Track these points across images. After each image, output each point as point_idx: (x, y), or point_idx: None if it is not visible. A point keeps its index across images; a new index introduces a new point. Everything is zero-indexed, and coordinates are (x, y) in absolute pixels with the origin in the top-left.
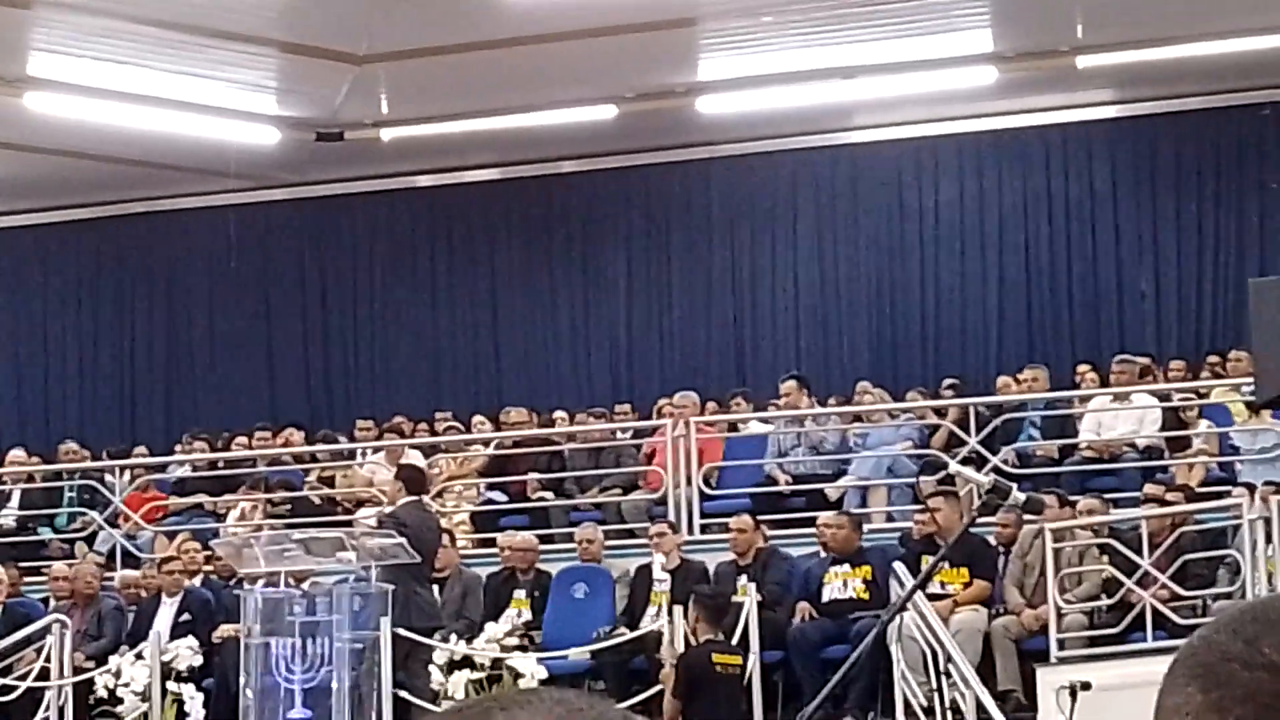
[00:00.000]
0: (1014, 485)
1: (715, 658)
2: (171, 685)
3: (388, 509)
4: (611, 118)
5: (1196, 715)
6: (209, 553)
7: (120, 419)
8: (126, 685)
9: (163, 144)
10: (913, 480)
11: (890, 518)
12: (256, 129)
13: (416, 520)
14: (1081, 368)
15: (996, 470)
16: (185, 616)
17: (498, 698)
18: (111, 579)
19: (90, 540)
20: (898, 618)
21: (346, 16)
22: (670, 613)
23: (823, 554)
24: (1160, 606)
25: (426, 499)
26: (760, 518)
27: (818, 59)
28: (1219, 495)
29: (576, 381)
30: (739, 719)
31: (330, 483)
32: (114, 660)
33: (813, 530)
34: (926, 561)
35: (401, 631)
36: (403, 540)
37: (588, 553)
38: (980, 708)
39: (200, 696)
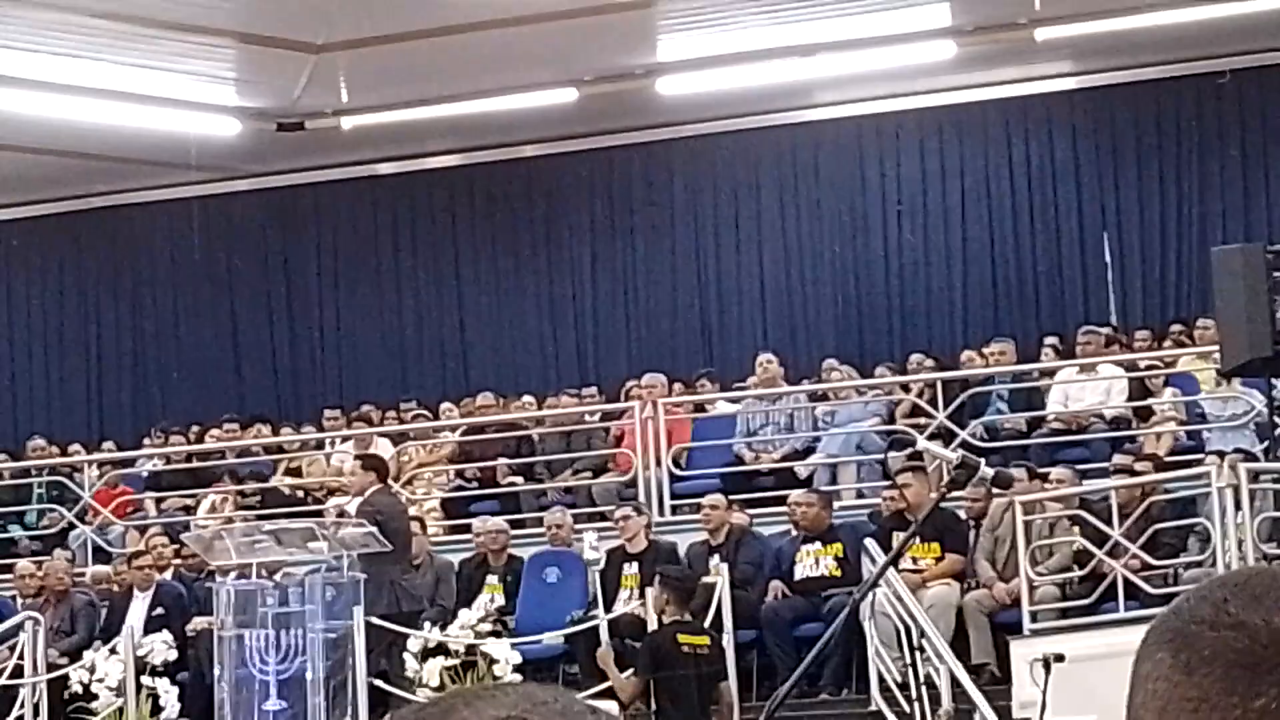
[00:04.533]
0: (982, 460)
1: (680, 638)
2: (146, 679)
3: (362, 498)
4: (572, 101)
5: (1166, 679)
6: (180, 546)
7: (88, 414)
8: (101, 681)
9: (123, 138)
10: (882, 457)
11: (860, 494)
12: (217, 120)
13: (392, 507)
14: (1047, 339)
15: (965, 445)
16: (158, 611)
17: (462, 693)
18: (83, 575)
19: (61, 537)
20: (870, 594)
21: (304, 6)
22: (642, 595)
23: (794, 532)
24: (1131, 576)
25: (395, 486)
26: (731, 497)
27: (776, 37)
28: (1188, 464)
29: (543, 365)
30: (705, 700)
31: (299, 473)
32: (88, 656)
33: (783, 509)
34: (897, 537)
35: (375, 621)
36: (374, 529)
37: (558, 537)
38: (954, 682)
39: (175, 690)
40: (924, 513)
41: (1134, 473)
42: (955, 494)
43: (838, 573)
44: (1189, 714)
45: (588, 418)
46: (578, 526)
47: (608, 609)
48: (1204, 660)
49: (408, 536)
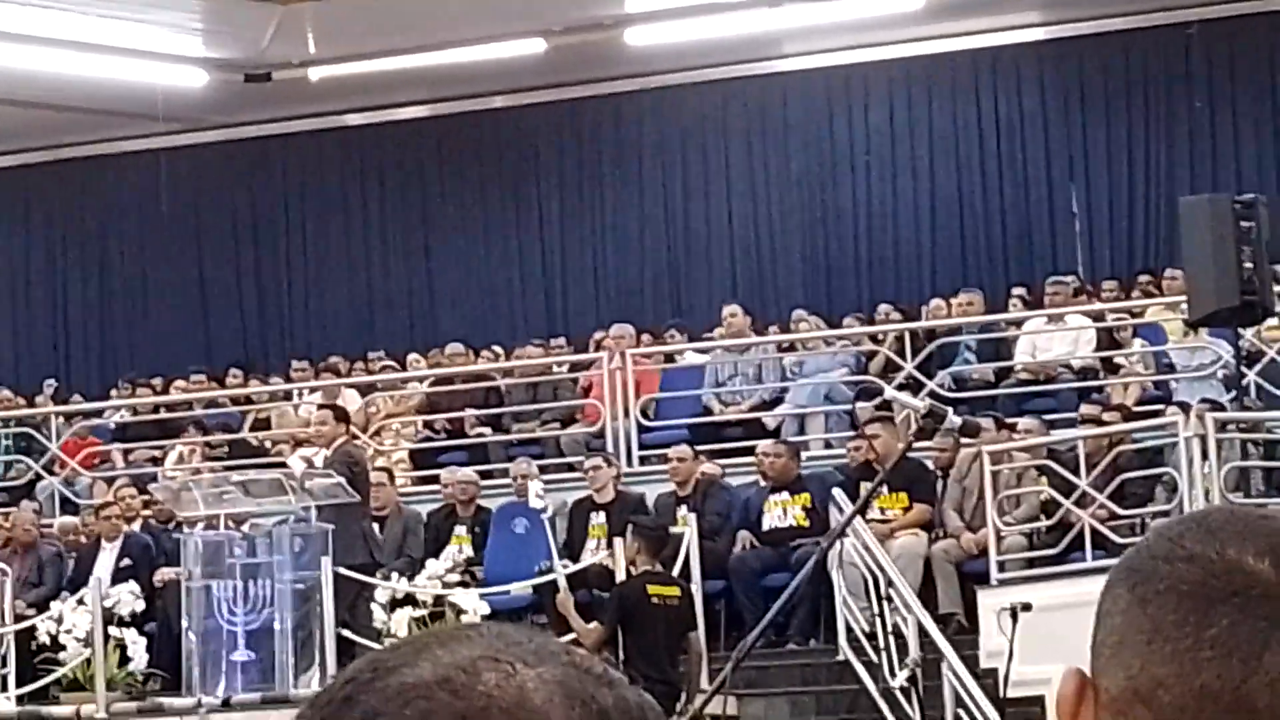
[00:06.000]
0: (950, 409)
1: (651, 589)
2: (114, 630)
3: (330, 449)
4: (540, 52)
5: (1123, 613)
6: (148, 497)
7: (54, 365)
8: (68, 632)
9: (90, 89)
10: (850, 407)
11: (828, 445)
12: (184, 71)
13: (362, 458)
14: (1015, 290)
15: (933, 395)
16: (126, 561)
17: (436, 633)
18: (50, 526)
19: (28, 488)
20: (838, 544)
21: None
22: (610, 545)
23: (762, 483)
24: (1099, 526)
25: (363, 437)
26: (699, 448)
27: None
28: (1155, 414)
29: (511, 316)
30: (676, 650)
31: (267, 425)
32: (55, 607)
33: (751, 460)
34: (865, 488)
35: (343, 571)
36: (341, 480)
37: (523, 488)
38: (922, 631)
39: (143, 641)
40: (892, 462)
41: (1101, 423)
42: (923, 444)
43: (805, 523)
44: (1143, 645)
45: (556, 368)
46: (545, 478)
47: (575, 559)
48: (1158, 593)
49: (370, 488)
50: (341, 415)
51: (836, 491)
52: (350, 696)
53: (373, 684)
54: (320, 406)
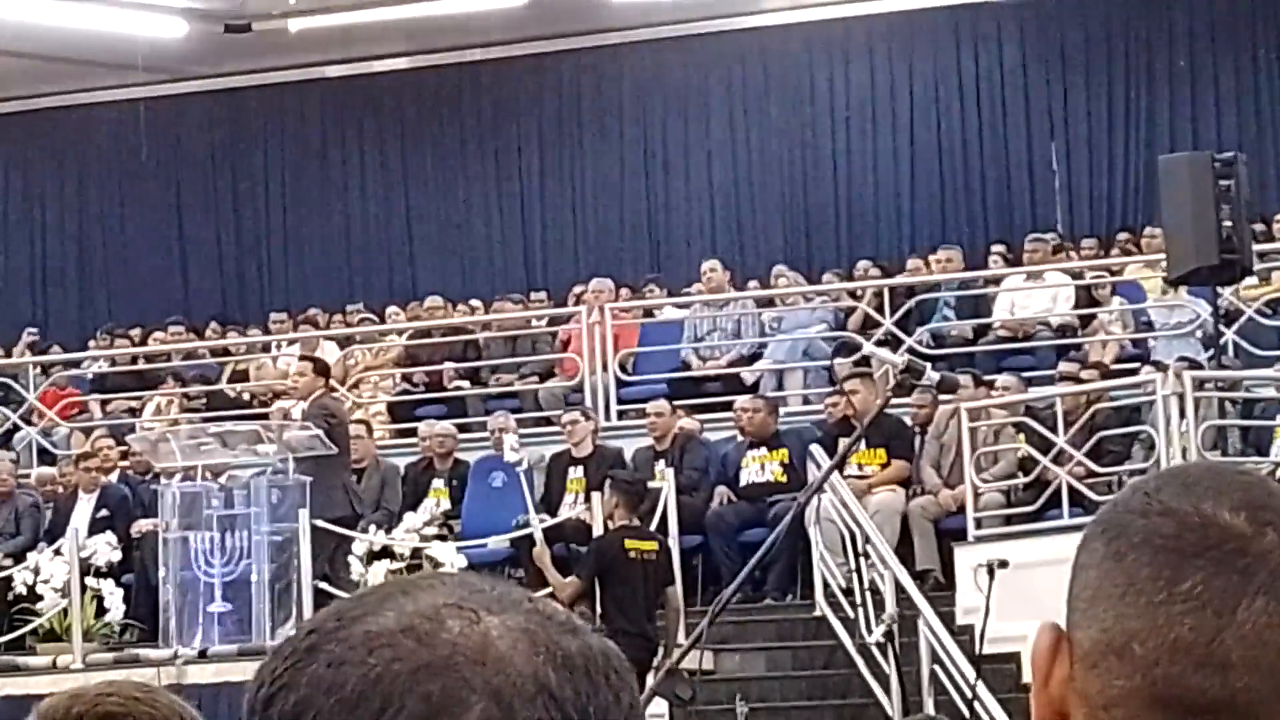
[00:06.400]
0: (928, 365)
1: (629, 544)
2: (91, 581)
3: (308, 401)
4: (521, 4)
5: (1098, 567)
6: (125, 448)
7: (32, 314)
8: (46, 582)
9: (69, 37)
10: (828, 363)
11: (807, 400)
12: (164, 20)
13: (340, 410)
14: (994, 247)
15: (911, 351)
16: (103, 512)
17: (400, 582)
18: (27, 476)
19: (5, 438)
20: (816, 499)
21: None
22: (588, 499)
23: (740, 438)
24: (1076, 484)
25: (341, 389)
26: (677, 403)
27: None
28: (1133, 372)
29: (490, 270)
30: (653, 605)
31: (245, 377)
32: (32, 557)
33: (730, 415)
34: (843, 444)
35: (320, 524)
36: (319, 432)
37: (500, 442)
38: (899, 588)
39: (120, 592)
40: (870, 418)
41: (1079, 380)
42: (901, 400)
43: (783, 479)
44: (1117, 599)
45: (534, 322)
46: (523, 432)
47: (553, 513)
48: (1133, 546)
49: (349, 440)
50: (321, 368)
51: (814, 447)
52: (314, 646)
53: (336, 633)
54: (300, 358)
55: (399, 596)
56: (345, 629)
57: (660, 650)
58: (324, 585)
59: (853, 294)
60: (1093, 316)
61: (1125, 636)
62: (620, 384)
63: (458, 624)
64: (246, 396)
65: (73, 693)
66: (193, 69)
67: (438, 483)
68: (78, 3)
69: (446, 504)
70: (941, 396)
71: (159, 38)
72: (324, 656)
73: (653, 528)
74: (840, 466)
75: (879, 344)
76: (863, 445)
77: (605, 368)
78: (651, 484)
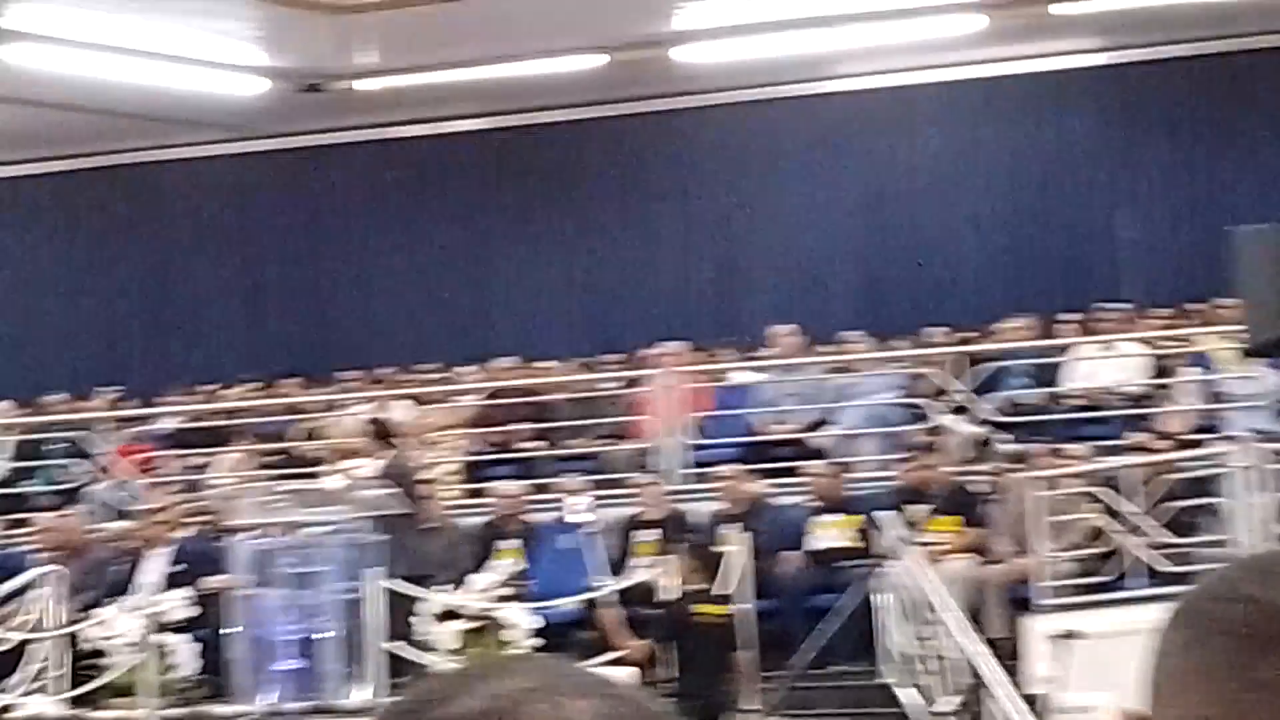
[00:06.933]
0: (1003, 438)
1: (698, 608)
2: (162, 637)
3: (382, 460)
4: (598, 67)
5: (1178, 654)
6: (199, 504)
7: (108, 371)
8: (118, 637)
9: (147, 95)
10: (900, 429)
11: (878, 466)
12: (240, 80)
13: (409, 471)
14: (1067, 316)
15: (983, 419)
16: (176, 568)
17: (485, 665)
18: (101, 531)
19: (79, 492)
20: (885, 566)
21: None
22: (658, 562)
23: (810, 503)
24: (1148, 554)
25: (414, 449)
26: (748, 467)
27: (804, 7)
28: (1205, 443)
29: (563, 331)
30: (722, 669)
31: (318, 434)
32: (104, 612)
33: (800, 480)
34: (914, 510)
35: (387, 583)
36: (391, 491)
37: (571, 504)
38: (968, 656)
39: (192, 648)
40: (943, 489)
41: (1152, 450)
42: (973, 467)
43: (854, 544)
44: (1192, 686)
45: (607, 384)
46: (595, 494)
47: (623, 576)
48: (1210, 633)
49: (423, 500)
50: (381, 433)
51: (884, 514)
52: None
53: (421, 715)
54: (367, 421)
55: (484, 680)
56: (430, 711)
57: (727, 714)
58: (394, 644)
59: (924, 360)
60: (1164, 386)
61: None
62: (692, 447)
63: (541, 708)
64: (319, 454)
65: None
66: (269, 127)
67: (508, 543)
68: (154, 61)
69: (517, 565)
70: (1014, 466)
71: (236, 96)
72: None
73: (722, 592)
74: (913, 539)
75: (951, 411)
76: (934, 513)
77: (677, 431)
78: (722, 548)
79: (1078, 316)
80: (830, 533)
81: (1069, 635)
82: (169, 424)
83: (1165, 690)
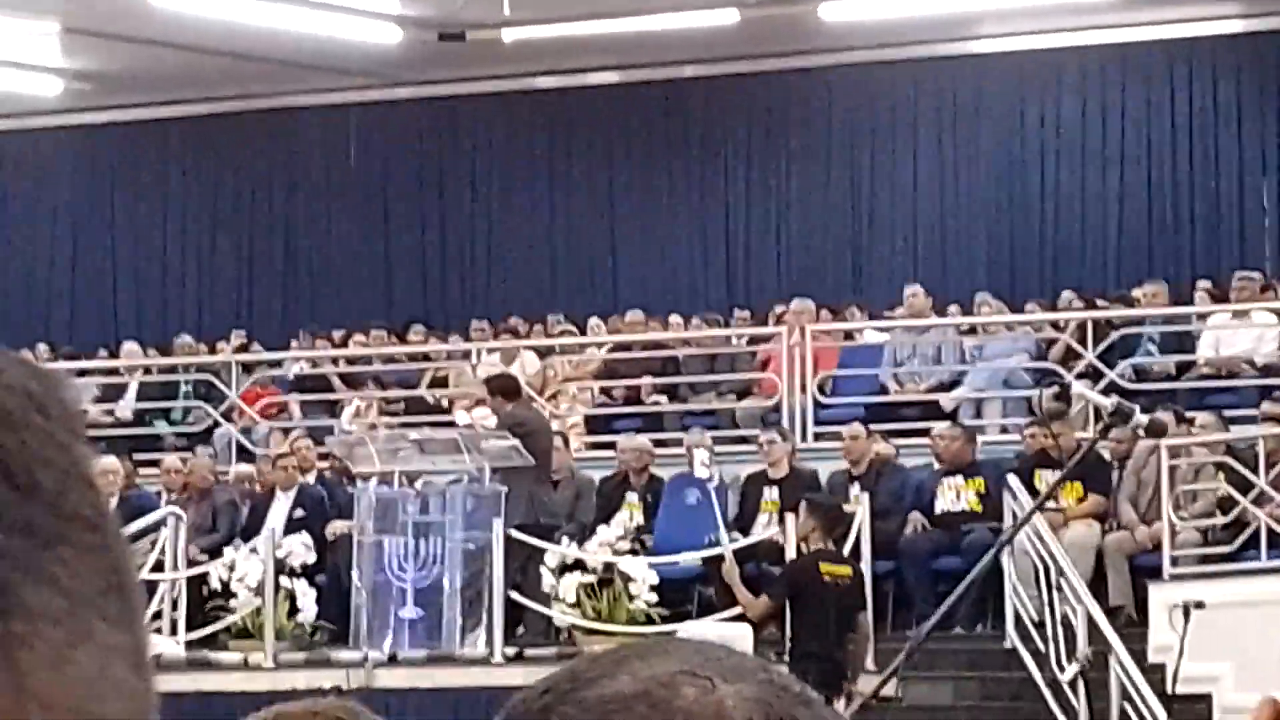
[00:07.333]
0: (1136, 408)
1: (823, 567)
2: (284, 580)
3: (504, 411)
4: (733, 23)
5: None
6: (323, 450)
7: (236, 314)
8: (240, 579)
9: (285, 40)
10: (1028, 394)
11: (1004, 430)
12: (379, 27)
13: (533, 421)
14: (1200, 283)
15: (1113, 386)
16: (299, 512)
17: (634, 646)
18: (226, 473)
19: (206, 434)
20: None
21: None
22: (782, 520)
23: (936, 465)
24: (1276, 526)
25: (540, 400)
26: (874, 427)
27: None
28: None
29: (692, 286)
30: (844, 629)
31: (444, 383)
32: (228, 554)
33: (926, 441)
34: (1039, 475)
35: (514, 534)
36: (517, 443)
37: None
38: (1091, 623)
39: (313, 592)
40: (1074, 455)
41: None
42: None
43: (978, 508)
44: None
45: (735, 340)
46: (719, 450)
47: (746, 533)
48: None
49: (546, 451)
50: (494, 386)
51: (1010, 477)
52: (548, 707)
53: (570, 695)
54: (486, 380)
55: (635, 660)
56: (580, 691)
57: (848, 674)
58: (515, 595)
59: (1055, 325)
60: None
61: None
62: (818, 406)
63: (692, 691)
64: (445, 403)
65: (279, 711)
66: (405, 75)
67: (632, 497)
68: (293, 6)
69: (640, 519)
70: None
71: (373, 43)
72: (557, 719)
73: (846, 552)
74: (1041, 506)
75: (1080, 376)
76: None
77: (804, 389)
78: (846, 508)
79: (1210, 285)
80: (955, 495)
81: (1194, 605)
82: (296, 369)
83: None
